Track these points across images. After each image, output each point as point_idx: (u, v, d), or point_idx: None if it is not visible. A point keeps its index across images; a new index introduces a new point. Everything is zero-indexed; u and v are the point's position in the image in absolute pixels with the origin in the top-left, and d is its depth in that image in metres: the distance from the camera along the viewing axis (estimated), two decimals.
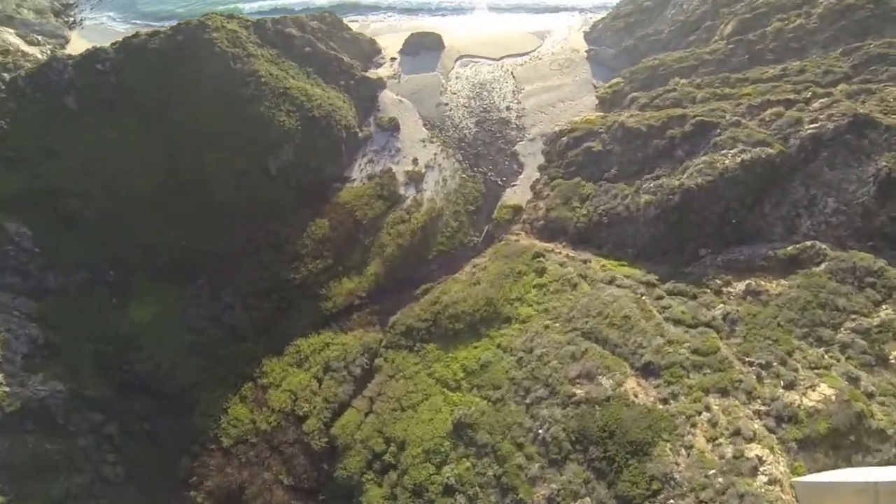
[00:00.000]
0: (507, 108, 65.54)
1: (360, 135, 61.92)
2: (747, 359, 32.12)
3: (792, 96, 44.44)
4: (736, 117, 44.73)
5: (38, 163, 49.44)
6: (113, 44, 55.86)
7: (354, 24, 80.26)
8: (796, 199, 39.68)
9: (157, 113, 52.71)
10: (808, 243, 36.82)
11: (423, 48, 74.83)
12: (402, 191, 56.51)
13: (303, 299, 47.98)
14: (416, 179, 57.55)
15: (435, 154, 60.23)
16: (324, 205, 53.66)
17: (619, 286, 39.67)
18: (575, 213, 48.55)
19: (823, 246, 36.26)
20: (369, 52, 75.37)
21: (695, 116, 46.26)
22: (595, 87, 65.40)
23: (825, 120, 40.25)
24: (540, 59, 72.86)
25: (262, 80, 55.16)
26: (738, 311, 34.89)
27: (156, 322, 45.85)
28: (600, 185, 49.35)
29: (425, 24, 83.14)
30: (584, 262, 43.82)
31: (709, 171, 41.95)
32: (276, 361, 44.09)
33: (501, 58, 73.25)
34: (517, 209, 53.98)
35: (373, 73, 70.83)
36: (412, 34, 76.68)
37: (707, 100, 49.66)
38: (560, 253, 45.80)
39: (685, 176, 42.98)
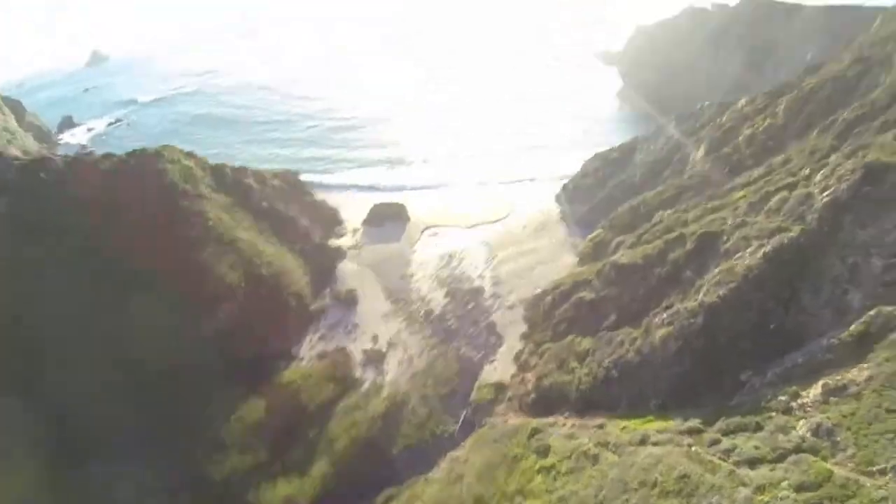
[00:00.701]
0: (480, 277, 59.40)
1: (311, 307, 53.90)
2: (875, 468, 21.49)
3: (790, 180, 39.02)
4: (739, 219, 38.63)
5: None
6: (65, 156, 51.98)
7: (318, 193, 76.37)
8: (836, 275, 31.72)
9: (89, 237, 45.01)
10: (872, 312, 28.38)
11: (388, 219, 70.60)
12: (358, 373, 47.16)
13: None
14: (375, 359, 48.54)
15: (399, 330, 52.05)
16: (261, 384, 43.33)
17: (655, 444, 29.25)
18: (574, 375, 39.68)
19: (889, 308, 28.00)
20: (331, 220, 70.55)
21: (694, 233, 40.08)
22: (574, 245, 60.62)
23: (836, 183, 34.27)
24: (512, 224, 69.18)
25: (210, 223, 48.23)
26: (828, 418, 24.78)
27: None
28: (599, 336, 40.86)
29: (390, 197, 79.88)
30: (599, 427, 33.69)
31: (729, 278, 34.34)
32: None
33: (471, 226, 69.35)
34: (500, 387, 44.82)
35: (333, 242, 65.05)
36: (376, 205, 73.17)
37: (700, 217, 43.60)
38: (564, 425, 35.70)
39: (702, 294, 35.38)
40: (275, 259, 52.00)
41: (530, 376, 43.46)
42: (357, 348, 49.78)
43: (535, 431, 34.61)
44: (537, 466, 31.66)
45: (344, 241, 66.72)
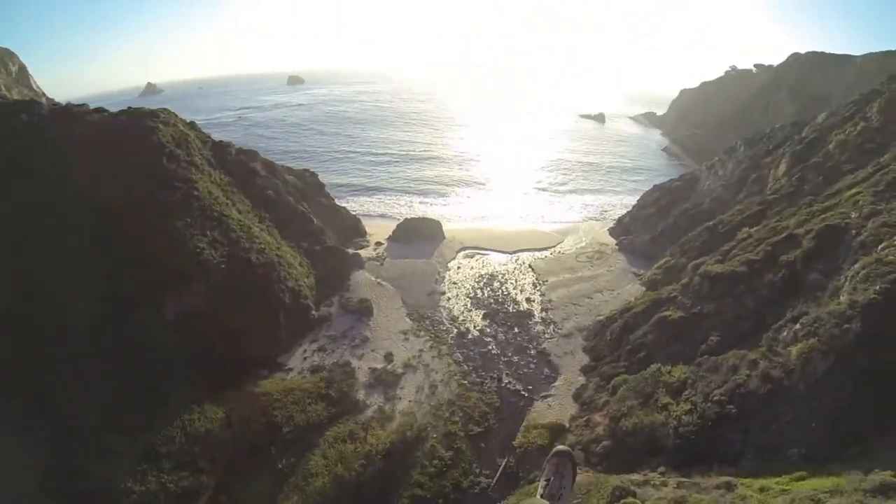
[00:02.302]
0: (528, 301, 47.46)
1: (313, 312, 42.33)
2: None
3: None
4: (869, 206, 31.45)
5: None
6: (55, 104, 48.98)
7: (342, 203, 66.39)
8: None
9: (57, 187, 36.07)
10: None
11: (418, 237, 59.62)
12: (360, 395, 35.07)
13: None
14: (386, 382, 36.44)
15: (421, 351, 40.07)
16: (226, 390, 31.29)
17: None
18: (668, 413, 27.28)
19: None
20: (350, 229, 59.83)
21: (810, 232, 32.37)
22: (636, 275, 51.47)
23: None
24: (563, 253, 58.96)
25: (196, 193, 37.88)
26: None
27: None
28: (698, 363, 29.95)
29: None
30: (726, 488, 20.52)
31: (884, 269, 24.40)
32: None
33: (515, 252, 58.11)
34: (557, 429, 32.17)
35: (349, 251, 53.97)
36: (406, 220, 63.19)
37: (806, 221, 35.08)
38: (664, 484, 22.39)
39: (848, 294, 25.12)
40: (270, 247, 41.15)
41: (600, 418, 31.78)
42: (363, 366, 37.81)
43: (619, 494, 21.42)
44: None
45: (364, 253, 55.60)
